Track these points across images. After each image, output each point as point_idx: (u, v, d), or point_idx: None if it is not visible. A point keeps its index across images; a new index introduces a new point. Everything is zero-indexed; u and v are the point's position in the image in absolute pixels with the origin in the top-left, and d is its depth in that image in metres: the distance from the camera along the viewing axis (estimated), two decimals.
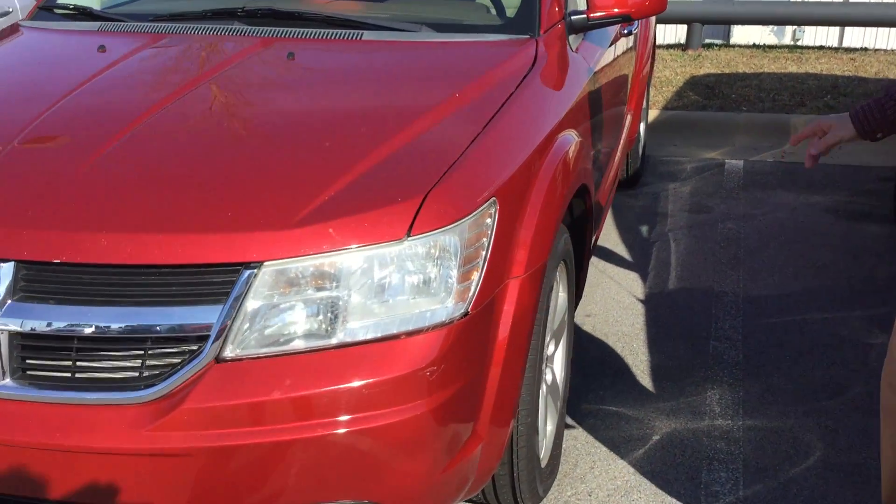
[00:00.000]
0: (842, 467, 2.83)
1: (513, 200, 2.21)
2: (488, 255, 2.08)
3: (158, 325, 1.88)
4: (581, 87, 2.91)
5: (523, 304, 2.19)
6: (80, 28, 2.99)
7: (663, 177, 5.52)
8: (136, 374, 1.90)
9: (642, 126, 5.34)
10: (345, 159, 2.09)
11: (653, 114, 6.47)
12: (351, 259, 1.92)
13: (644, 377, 3.34)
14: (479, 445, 2.13)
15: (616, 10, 3.04)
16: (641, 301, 3.92)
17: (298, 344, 1.91)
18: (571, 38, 3.02)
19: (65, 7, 3.11)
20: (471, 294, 2.03)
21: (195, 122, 2.29)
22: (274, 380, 1.88)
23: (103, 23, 2.96)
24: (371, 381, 1.90)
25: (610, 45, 3.56)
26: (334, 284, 1.92)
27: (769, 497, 2.70)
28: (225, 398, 1.85)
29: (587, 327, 3.70)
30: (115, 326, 1.88)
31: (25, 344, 1.92)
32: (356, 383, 1.90)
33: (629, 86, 4.38)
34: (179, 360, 1.89)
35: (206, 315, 1.88)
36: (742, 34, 10.74)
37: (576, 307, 3.12)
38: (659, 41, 9.37)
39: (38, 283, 1.92)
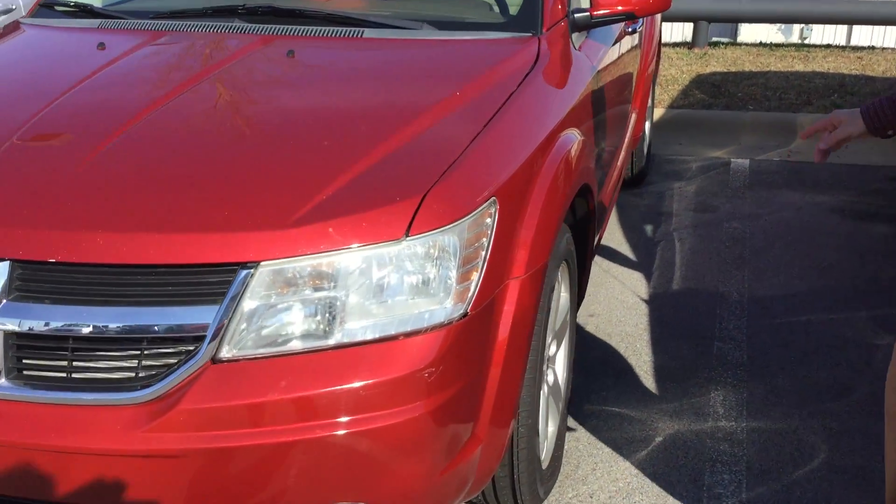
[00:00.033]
0: (846, 470, 2.80)
1: (513, 200, 2.19)
2: (488, 256, 2.06)
3: (154, 326, 1.86)
4: (584, 85, 2.88)
5: (524, 304, 2.17)
6: (80, 25, 2.98)
7: (668, 176, 5.49)
8: (133, 374, 1.88)
9: (647, 125, 5.31)
10: (343, 158, 2.07)
11: (658, 112, 6.44)
12: (349, 259, 1.90)
13: (647, 378, 3.31)
14: (478, 447, 2.11)
15: (620, 7, 3.01)
16: (645, 301, 3.90)
17: (296, 344, 1.89)
18: (574, 36, 3.00)
19: (65, 4, 3.10)
20: (470, 294, 2.01)
21: (193, 121, 2.27)
22: (271, 381, 1.86)
23: (103, 20, 2.94)
24: (369, 382, 1.88)
25: (614, 44, 3.53)
26: (332, 285, 1.90)
27: (772, 500, 2.68)
28: (221, 399, 1.83)
29: (590, 327, 3.68)
30: (110, 326, 1.87)
31: (21, 344, 1.91)
32: (354, 384, 1.88)
33: (634, 84, 4.35)
34: (176, 361, 1.87)
35: (202, 315, 1.86)
36: (749, 33, 10.71)
37: (578, 307, 3.10)
38: (665, 39, 9.34)
39: (33, 282, 1.90)
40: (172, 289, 1.87)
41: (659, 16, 5.39)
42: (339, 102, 2.39)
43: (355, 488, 1.95)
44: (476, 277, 2.04)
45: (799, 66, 7.67)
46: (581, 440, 2.95)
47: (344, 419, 1.88)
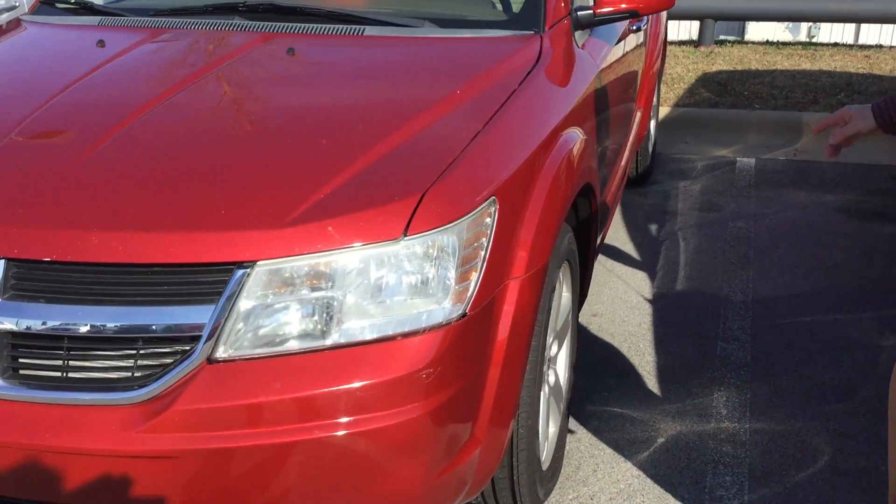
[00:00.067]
0: (850, 472, 2.78)
1: (514, 199, 2.17)
2: (487, 256, 2.04)
3: (150, 325, 1.85)
4: (587, 83, 2.86)
5: (523, 305, 2.15)
6: (81, 22, 2.97)
7: (673, 175, 5.46)
8: (128, 374, 1.87)
9: (652, 123, 5.29)
10: (341, 157, 2.06)
11: (664, 111, 6.41)
12: (346, 259, 1.88)
13: (650, 378, 3.29)
14: (477, 448, 2.09)
15: (623, 5, 2.99)
16: (649, 301, 3.88)
17: (292, 345, 1.88)
18: (577, 34, 2.97)
19: (66, 1, 3.09)
20: (469, 295, 1.99)
21: (191, 119, 2.26)
22: (267, 381, 1.84)
23: (103, 17, 2.93)
24: (366, 382, 1.87)
25: (618, 42, 3.51)
26: (329, 284, 1.89)
27: (775, 502, 2.65)
28: (216, 400, 1.82)
29: (593, 327, 3.66)
30: (106, 326, 1.85)
31: (16, 343, 1.90)
32: (351, 385, 1.86)
33: (638, 83, 4.33)
34: (172, 361, 1.86)
35: (198, 315, 1.85)
36: (757, 31, 10.67)
37: (580, 307, 3.08)
38: (671, 37, 9.30)
39: (28, 281, 1.89)
40: (168, 288, 1.86)
41: (664, 14, 5.36)
42: (339, 101, 2.38)
43: (352, 490, 1.93)
44: (475, 277, 2.02)
45: (806, 65, 7.63)
46: (582, 441, 2.93)
47: (341, 420, 1.86)
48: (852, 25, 11.67)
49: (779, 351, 3.47)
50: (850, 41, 10.82)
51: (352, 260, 1.89)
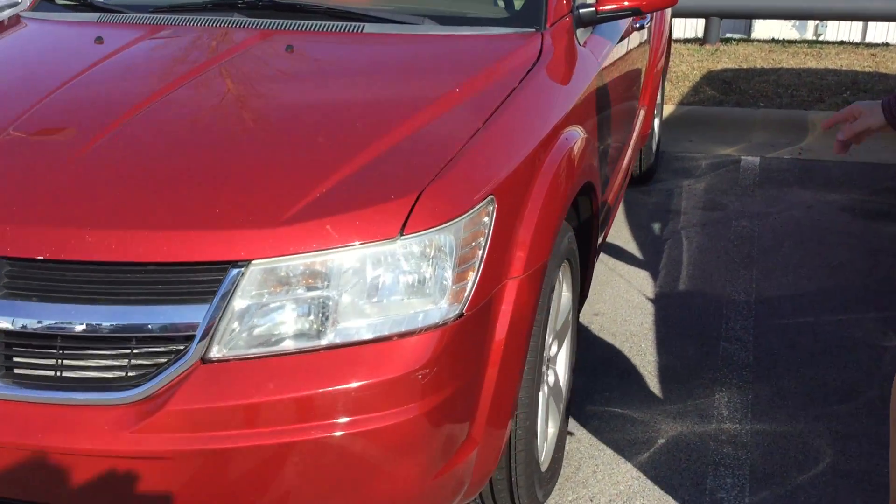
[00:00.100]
0: (852, 474, 2.75)
1: (512, 198, 2.15)
2: (485, 255, 2.03)
3: (144, 325, 1.84)
4: (588, 81, 2.84)
5: (522, 305, 2.13)
6: (80, 19, 2.95)
7: (677, 173, 5.43)
8: (122, 373, 1.86)
9: (657, 122, 5.26)
10: (338, 155, 2.04)
11: (668, 109, 6.38)
12: (342, 258, 1.86)
13: (651, 378, 3.27)
14: (474, 449, 2.07)
15: (626, 3, 2.97)
16: (651, 300, 3.85)
17: (287, 345, 1.86)
18: (579, 31, 2.95)
19: None
20: (466, 295, 1.98)
21: (187, 116, 2.24)
22: (261, 381, 1.83)
23: (102, 14, 2.91)
24: (362, 383, 1.85)
25: (621, 40, 3.48)
26: (324, 284, 1.87)
27: None
28: (210, 400, 1.80)
29: (595, 326, 3.64)
30: (99, 325, 1.84)
31: (10, 342, 1.88)
32: (347, 385, 1.85)
33: (642, 81, 4.30)
34: (166, 361, 1.84)
35: (192, 314, 1.83)
36: (764, 29, 10.61)
37: (581, 307, 3.05)
38: (676, 35, 9.27)
39: (22, 279, 1.88)
40: (162, 287, 1.85)
41: (669, 11, 5.33)
42: (337, 98, 2.36)
43: (347, 491, 1.92)
44: (472, 277, 2.00)
45: (811, 63, 7.60)
46: (582, 442, 2.91)
47: (336, 421, 1.85)
48: (859, 24, 11.59)
49: (781, 351, 3.44)
50: (857, 39, 10.76)
51: (347, 259, 1.87)
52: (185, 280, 1.84)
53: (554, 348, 2.62)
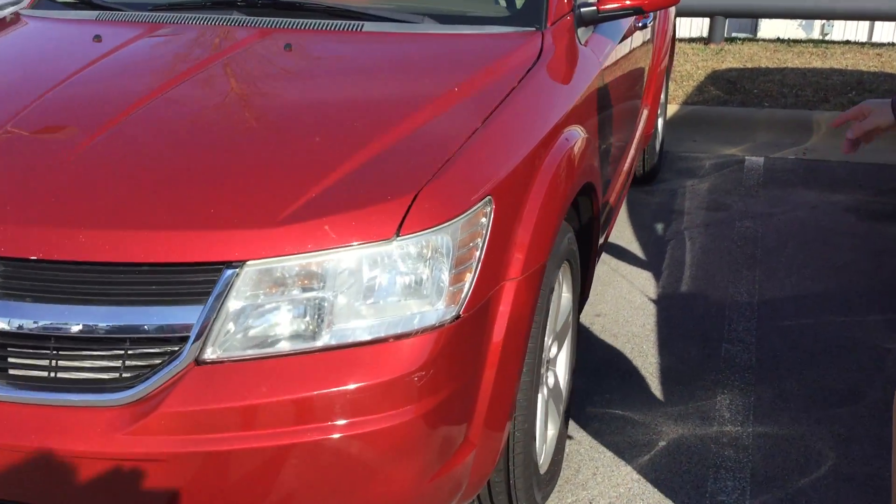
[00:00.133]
0: (854, 477, 2.73)
1: (510, 199, 2.13)
2: (482, 256, 2.01)
3: (138, 326, 1.82)
4: (589, 81, 2.81)
5: (520, 306, 2.11)
6: (79, 17, 2.94)
7: (681, 173, 5.41)
8: (117, 375, 1.84)
9: (660, 121, 5.23)
10: (335, 155, 2.02)
11: (672, 108, 6.35)
12: (337, 259, 1.85)
13: (653, 380, 3.25)
14: (471, 451, 2.06)
15: (628, 2, 2.94)
16: (653, 301, 3.83)
17: (282, 346, 1.84)
18: (580, 30, 2.93)
19: None
20: (463, 296, 1.96)
21: (183, 116, 2.23)
22: (256, 383, 1.81)
23: (101, 12, 2.90)
24: (358, 385, 1.84)
25: (623, 39, 3.46)
26: (320, 285, 1.85)
27: None
28: (203, 402, 1.78)
29: (596, 327, 3.61)
30: (93, 326, 1.83)
31: (4, 343, 1.87)
32: (343, 387, 1.83)
33: (645, 80, 4.28)
34: (160, 362, 1.83)
35: (186, 315, 1.82)
36: (770, 28, 10.57)
37: (582, 308, 3.03)
38: (681, 34, 9.23)
39: (15, 279, 1.86)
40: (156, 288, 1.83)
41: (673, 10, 5.30)
42: (334, 98, 2.34)
43: (343, 493, 1.90)
44: (470, 278, 1.98)
45: (817, 63, 7.55)
46: (583, 443, 2.89)
47: (332, 423, 1.83)
48: (866, 23, 11.55)
49: (784, 353, 3.42)
50: (864, 39, 10.70)
51: (343, 260, 1.85)
52: (180, 281, 1.82)
53: (554, 350, 2.60)
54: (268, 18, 2.75)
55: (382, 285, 1.89)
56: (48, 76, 2.42)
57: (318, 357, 1.84)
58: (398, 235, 1.87)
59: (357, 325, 1.87)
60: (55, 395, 1.84)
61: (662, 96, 5.13)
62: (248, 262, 1.81)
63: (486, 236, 2.02)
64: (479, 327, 2.02)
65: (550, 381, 2.60)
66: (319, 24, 2.71)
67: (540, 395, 2.45)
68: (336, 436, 1.83)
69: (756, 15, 8.66)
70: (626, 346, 3.47)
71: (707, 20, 8.52)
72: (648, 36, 4.23)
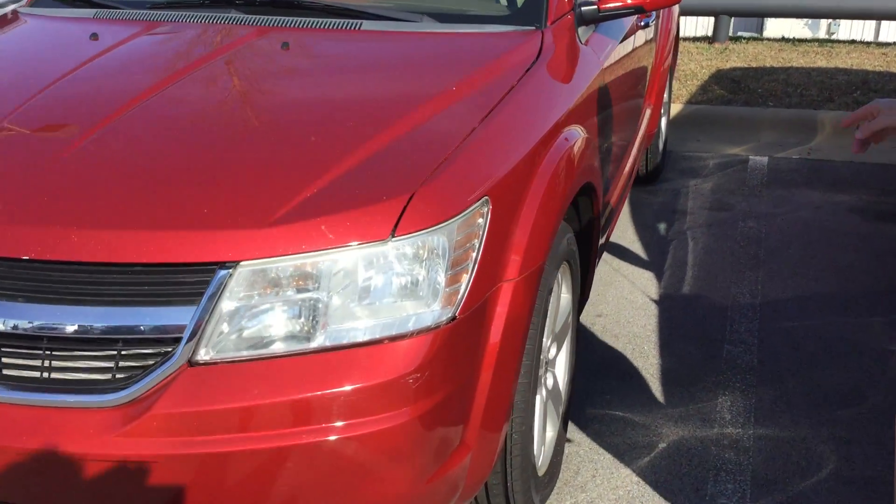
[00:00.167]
0: (855, 481, 2.71)
1: (508, 199, 2.11)
2: (479, 258, 1.99)
3: (130, 326, 1.81)
4: (589, 80, 2.79)
5: (517, 308, 2.10)
6: (76, 15, 2.92)
7: (684, 173, 5.38)
8: (110, 375, 1.83)
9: (664, 121, 5.21)
10: (330, 155, 2.01)
11: (676, 108, 6.32)
12: (331, 260, 1.83)
13: (653, 381, 3.23)
14: (468, 454, 2.04)
15: (629, 0, 2.92)
16: (655, 301, 3.81)
17: (276, 348, 1.83)
18: (581, 30, 2.91)
19: None
20: (459, 298, 1.94)
21: (177, 116, 2.21)
22: (249, 385, 1.80)
23: (99, 10, 2.89)
24: (353, 387, 1.82)
25: (625, 38, 3.44)
26: (314, 286, 1.84)
27: None
28: (196, 404, 1.77)
29: (597, 328, 3.59)
30: (85, 326, 1.81)
31: None
32: (337, 389, 1.81)
33: (648, 79, 4.26)
34: (153, 363, 1.81)
35: (179, 316, 1.80)
36: (776, 27, 10.54)
37: (582, 309, 3.01)
38: (687, 33, 9.20)
39: (8, 279, 1.85)
40: (149, 288, 1.81)
41: (676, 9, 5.28)
42: (331, 97, 2.33)
43: (337, 496, 1.88)
44: (466, 280, 1.96)
45: (821, 62, 7.52)
46: (582, 445, 2.87)
47: (326, 425, 1.81)
48: (872, 22, 11.51)
49: (786, 354, 3.40)
50: (870, 38, 10.66)
51: (338, 261, 1.84)
52: (173, 281, 1.81)
53: (553, 351, 2.58)
54: (266, 17, 2.73)
55: (378, 286, 1.87)
56: (43, 74, 2.41)
57: (312, 358, 1.83)
58: (393, 236, 1.85)
59: (352, 326, 1.85)
60: (48, 395, 1.82)
61: (666, 95, 5.11)
62: (241, 263, 1.79)
63: (483, 237, 2.00)
64: (476, 329, 2.00)
65: (549, 382, 2.58)
66: (317, 22, 2.69)
67: (538, 397, 2.44)
68: (330, 438, 1.81)
69: (761, 14, 8.63)
70: (627, 347, 3.45)
71: (712, 19, 8.49)
72: (651, 35, 4.21)
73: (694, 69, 7.26)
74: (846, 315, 3.69)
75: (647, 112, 4.37)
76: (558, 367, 2.69)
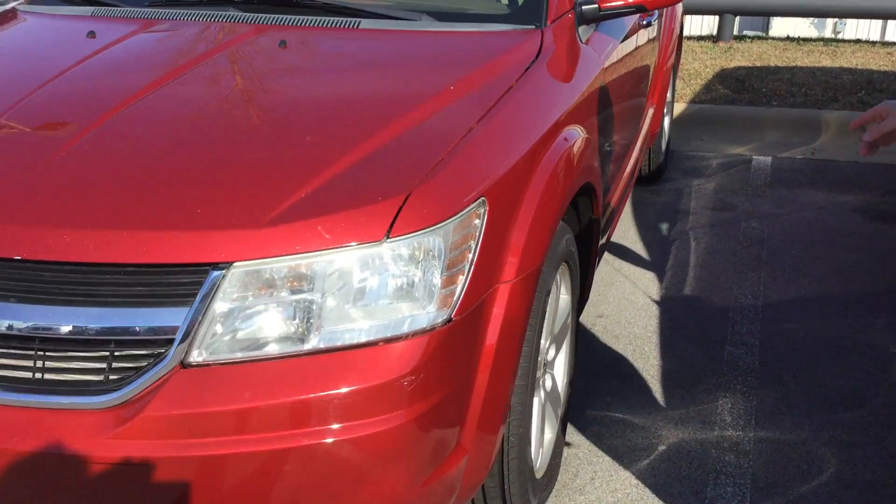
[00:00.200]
0: (856, 485, 2.69)
1: (505, 200, 2.09)
2: (475, 259, 1.97)
3: (123, 327, 1.79)
4: (589, 80, 2.77)
5: (514, 309, 2.08)
6: (75, 13, 2.91)
7: (687, 172, 5.36)
8: (102, 377, 1.81)
9: (667, 120, 5.19)
10: (326, 154, 1.99)
11: (679, 107, 6.30)
12: (326, 261, 1.81)
13: (654, 383, 3.21)
14: (463, 457, 2.02)
15: None
16: (656, 302, 3.79)
17: (269, 350, 1.81)
18: (581, 29, 2.89)
19: None
20: (455, 299, 1.92)
21: (172, 114, 2.19)
22: (242, 387, 1.78)
23: (97, 8, 2.87)
24: (348, 389, 1.80)
25: (626, 37, 3.41)
26: (309, 287, 1.82)
27: None
28: (188, 406, 1.75)
29: (598, 329, 3.57)
30: (77, 327, 1.79)
31: None
32: (332, 392, 1.79)
33: (650, 79, 4.23)
34: (146, 364, 1.79)
35: (172, 317, 1.79)
36: (782, 26, 10.51)
37: (581, 310, 2.99)
38: (691, 32, 9.18)
39: (0, 280, 1.83)
40: (141, 289, 1.80)
41: (680, 8, 5.25)
42: (328, 96, 2.31)
43: (332, 499, 1.86)
44: (462, 281, 1.94)
45: (826, 62, 7.49)
46: (581, 447, 2.85)
47: (320, 428, 1.80)
48: (878, 21, 11.47)
49: (788, 356, 3.37)
50: (877, 37, 10.63)
51: (332, 262, 1.82)
52: (165, 282, 1.79)
53: (551, 352, 2.56)
54: (264, 15, 2.71)
55: (372, 288, 1.85)
56: (38, 73, 2.39)
57: (306, 360, 1.81)
58: (388, 237, 1.83)
59: (347, 327, 1.83)
60: (40, 397, 1.81)
61: (669, 95, 5.09)
62: (234, 264, 1.78)
63: (480, 238, 1.99)
64: (472, 330, 1.99)
65: (548, 384, 2.56)
66: (316, 20, 2.67)
67: (536, 399, 2.42)
68: (324, 441, 1.80)
69: (766, 13, 8.60)
70: (628, 348, 3.43)
71: (716, 18, 8.46)
72: (654, 34, 4.18)
73: (698, 68, 7.24)
74: (848, 316, 3.66)
75: (650, 111, 4.35)
76: (557, 368, 2.67)
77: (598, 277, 3.97)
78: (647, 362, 3.34)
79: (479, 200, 1.99)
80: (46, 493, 1.80)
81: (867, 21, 10.96)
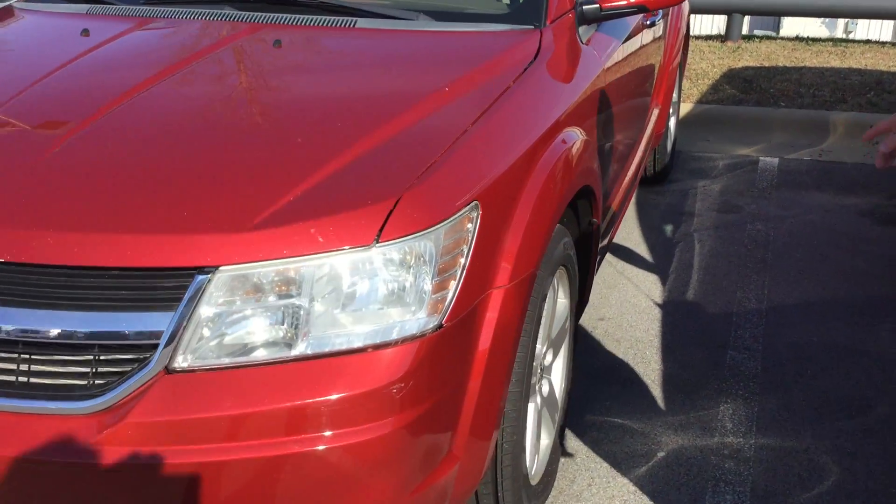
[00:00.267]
0: (857, 495, 2.64)
1: (499, 204, 2.05)
2: (468, 264, 1.93)
3: (107, 331, 1.76)
4: (589, 81, 2.73)
5: (508, 315, 2.04)
6: (70, 10, 2.88)
7: (693, 173, 5.31)
8: (86, 382, 1.78)
9: (672, 120, 5.14)
10: (316, 156, 1.95)
11: (686, 107, 6.24)
12: (313, 265, 1.78)
13: (654, 388, 3.17)
14: (456, 464, 1.99)
15: None
16: (658, 305, 3.75)
17: (256, 355, 1.78)
18: (582, 29, 2.85)
19: None
20: (446, 305, 1.89)
21: (162, 115, 2.16)
22: (228, 394, 1.75)
23: (92, 5, 2.84)
24: (336, 396, 1.77)
25: (629, 37, 3.37)
26: (296, 292, 1.79)
27: None
28: (172, 412, 1.72)
29: (598, 332, 3.53)
30: (61, 331, 1.76)
31: None
32: (319, 399, 1.76)
33: (655, 79, 4.19)
34: (130, 370, 1.76)
35: (156, 322, 1.76)
36: (793, 26, 10.44)
37: (581, 314, 2.95)
38: (700, 32, 9.11)
39: None
40: (126, 293, 1.77)
41: (686, 7, 5.20)
42: (321, 97, 2.27)
43: None
44: (454, 287, 1.91)
45: (835, 62, 7.42)
46: (579, 453, 2.82)
47: (308, 435, 1.77)
48: (890, 22, 11.39)
49: (791, 362, 3.33)
50: (889, 38, 10.54)
51: (320, 267, 1.78)
52: (150, 286, 1.76)
53: (548, 357, 2.53)
54: (260, 14, 2.68)
55: (362, 293, 1.82)
56: (28, 72, 2.36)
57: (294, 367, 1.78)
58: (378, 241, 1.80)
59: (335, 333, 1.80)
60: (23, 402, 1.78)
61: (675, 95, 5.04)
62: (220, 268, 1.75)
63: (472, 243, 1.95)
64: (464, 337, 1.95)
65: (545, 389, 2.53)
66: (312, 20, 2.64)
67: (532, 405, 2.38)
68: (312, 448, 1.77)
69: (774, 12, 8.53)
70: (629, 352, 3.39)
71: (724, 17, 8.40)
72: (659, 33, 4.14)
73: (705, 68, 7.18)
74: (853, 321, 3.62)
75: (655, 112, 4.30)
76: (554, 373, 2.63)
77: (600, 280, 3.93)
78: (648, 367, 3.30)
79: (472, 204, 1.95)
80: (29, 497, 1.78)
81: (878, 21, 10.88)
